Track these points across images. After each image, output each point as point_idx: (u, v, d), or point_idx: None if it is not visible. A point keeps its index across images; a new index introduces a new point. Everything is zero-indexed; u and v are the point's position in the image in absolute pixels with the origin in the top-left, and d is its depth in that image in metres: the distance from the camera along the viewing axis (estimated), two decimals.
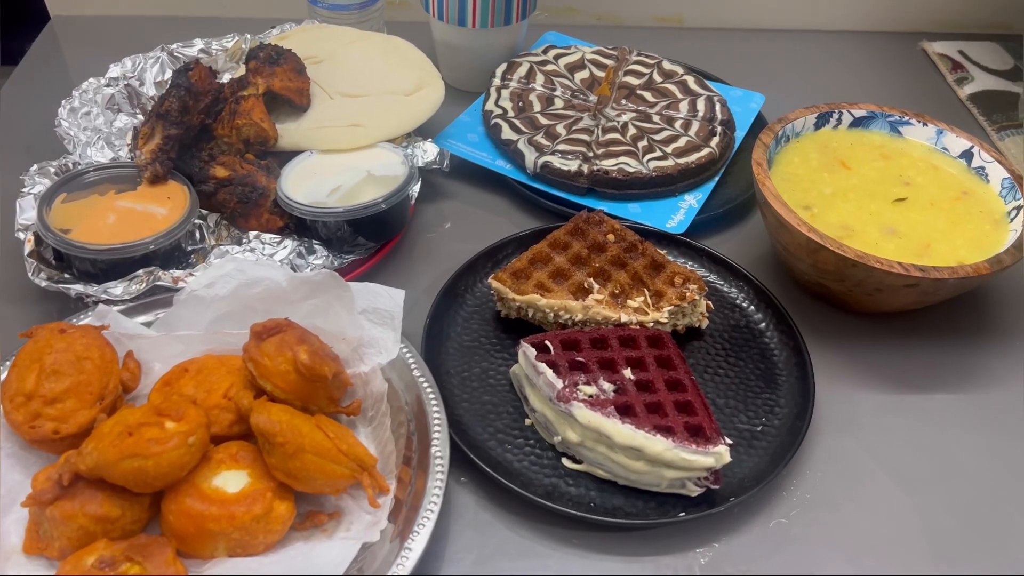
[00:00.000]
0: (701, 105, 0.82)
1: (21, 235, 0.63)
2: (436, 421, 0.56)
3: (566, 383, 0.55)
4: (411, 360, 0.60)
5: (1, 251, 0.67)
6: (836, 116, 0.74)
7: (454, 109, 0.84)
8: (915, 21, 1.05)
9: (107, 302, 0.61)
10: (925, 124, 0.73)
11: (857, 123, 0.74)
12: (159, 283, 0.61)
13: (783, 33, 1.04)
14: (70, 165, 0.70)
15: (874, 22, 1.04)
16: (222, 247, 0.66)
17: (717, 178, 0.78)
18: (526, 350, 0.58)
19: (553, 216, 0.76)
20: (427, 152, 0.75)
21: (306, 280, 0.59)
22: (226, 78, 0.82)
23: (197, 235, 0.68)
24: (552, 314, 0.63)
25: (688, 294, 0.63)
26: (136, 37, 0.94)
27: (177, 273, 0.62)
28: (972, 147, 0.71)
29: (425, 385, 0.58)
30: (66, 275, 0.64)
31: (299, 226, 0.69)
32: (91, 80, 0.76)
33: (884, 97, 0.94)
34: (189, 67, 0.69)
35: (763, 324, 0.66)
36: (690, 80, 0.86)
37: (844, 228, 0.65)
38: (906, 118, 0.73)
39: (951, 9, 1.05)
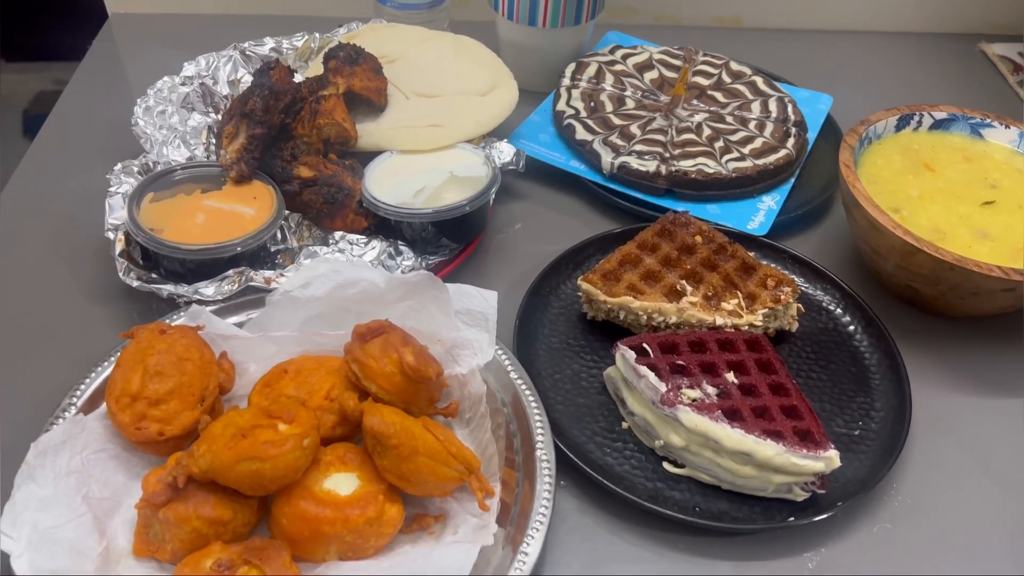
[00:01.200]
0: (773, 106, 0.82)
1: (111, 234, 0.63)
2: (538, 423, 0.55)
3: (669, 387, 0.55)
4: (507, 362, 0.59)
5: (90, 249, 0.67)
6: (917, 118, 0.73)
7: (522, 109, 0.83)
8: (973, 23, 1.04)
9: (199, 302, 0.60)
10: (1007, 127, 0.73)
11: (938, 125, 0.74)
12: (251, 284, 0.61)
13: (841, 34, 1.03)
14: (151, 164, 0.70)
15: (932, 24, 1.04)
16: (310, 247, 0.66)
17: (794, 179, 0.78)
18: (625, 353, 0.58)
19: (629, 217, 0.75)
20: (503, 153, 0.74)
21: (404, 281, 0.59)
22: (298, 78, 0.82)
23: (279, 235, 0.68)
24: (645, 316, 0.62)
25: (783, 296, 0.62)
26: (198, 35, 0.94)
27: (268, 274, 0.62)
28: None
29: (523, 386, 0.58)
30: (153, 275, 0.63)
31: (381, 226, 0.68)
32: (165, 79, 0.76)
33: (947, 98, 0.94)
34: (270, 66, 0.69)
35: (852, 327, 0.66)
36: (759, 81, 0.85)
37: (935, 231, 0.65)
38: (988, 120, 0.73)
39: (1008, 11, 1.04)
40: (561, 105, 0.81)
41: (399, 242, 0.67)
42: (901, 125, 0.73)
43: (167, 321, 0.59)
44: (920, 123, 0.73)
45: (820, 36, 1.02)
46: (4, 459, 0.54)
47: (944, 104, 0.74)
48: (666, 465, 0.56)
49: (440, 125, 0.73)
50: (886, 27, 1.04)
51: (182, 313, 0.60)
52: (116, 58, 0.93)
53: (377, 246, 0.66)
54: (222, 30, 0.95)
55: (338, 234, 0.67)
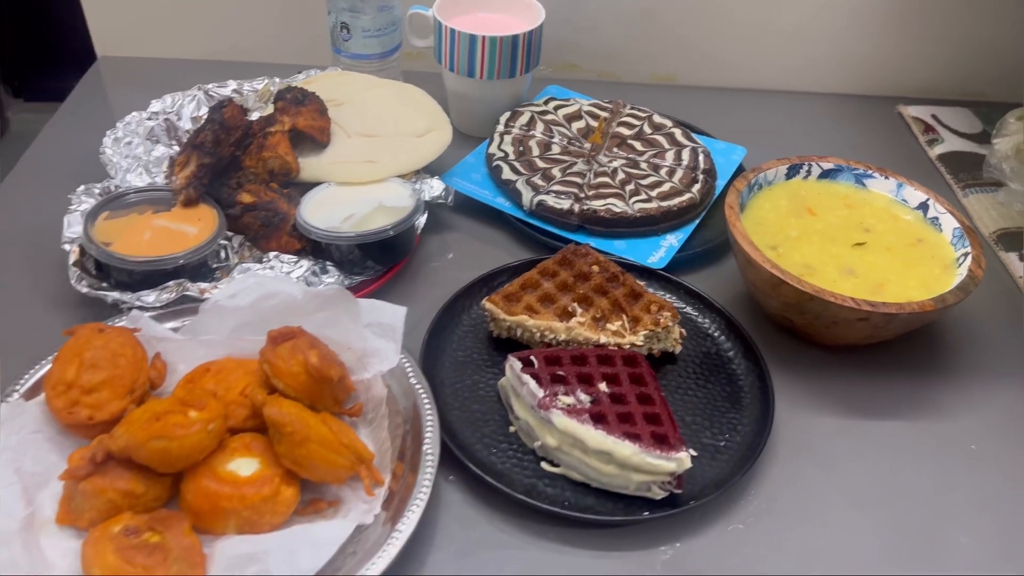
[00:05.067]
0: (686, 155, 0.90)
1: (67, 246, 0.71)
2: (429, 424, 0.62)
3: (547, 393, 0.62)
4: (410, 370, 0.66)
5: (48, 261, 0.75)
6: (806, 168, 0.81)
7: (461, 152, 0.92)
8: (894, 86, 1.13)
9: (140, 308, 0.68)
10: (887, 177, 0.80)
11: (826, 175, 0.81)
12: (187, 293, 0.69)
13: (770, 93, 1.12)
14: (112, 188, 0.78)
15: (856, 86, 1.13)
16: (244, 264, 0.73)
17: (697, 221, 0.85)
18: (512, 363, 0.65)
19: (546, 249, 0.83)
20: (434, 188, 0.82)
21: (318, 294, 0.66)
22: (255, 116, 0.90)
23: (223, 254, 0.76)
24: (539, 334, 0.69)
25: (662, 320, 0.69)
26: (175, 77, 1.03)
27: (203, 285, 0.70)
28: (928, 199, 0.78)
29: (421, 392, 0.65)
30: (104, 284, 0.71)
31: (315, 249, 0.76)
32: (134, 114, 0.85)
33: (858, 154, 1.01)
34: (223, 104, 0.78)
35: (732, 352, 0.73)
36: (678, 132, 0.94)
37: (806, 267, 0.72)
38: (870, 171, 0.81)
39: (928, 76, 1.13)
40: (493, 148, 0.90)
41: (327, 263, 0.75)
42: (791, 173, 0.81)
43: (108, 323, 0.67)
44: (809, 172, 0.81)
45: (748, 95, 1.11)
46: None
47: (832, 156, 0.82)
48: (544, 464, 0.63)
49: (375, 161, 0.81)
50: (811, 88, 1.12)
51: (124, 317, 0.67)
52: (100, 96, 1.03)
53: (304, 264, 0.73)
54: (203, 74, 1.05)
55: (271, 254, 0.74)
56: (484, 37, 0.88)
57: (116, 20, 1.05)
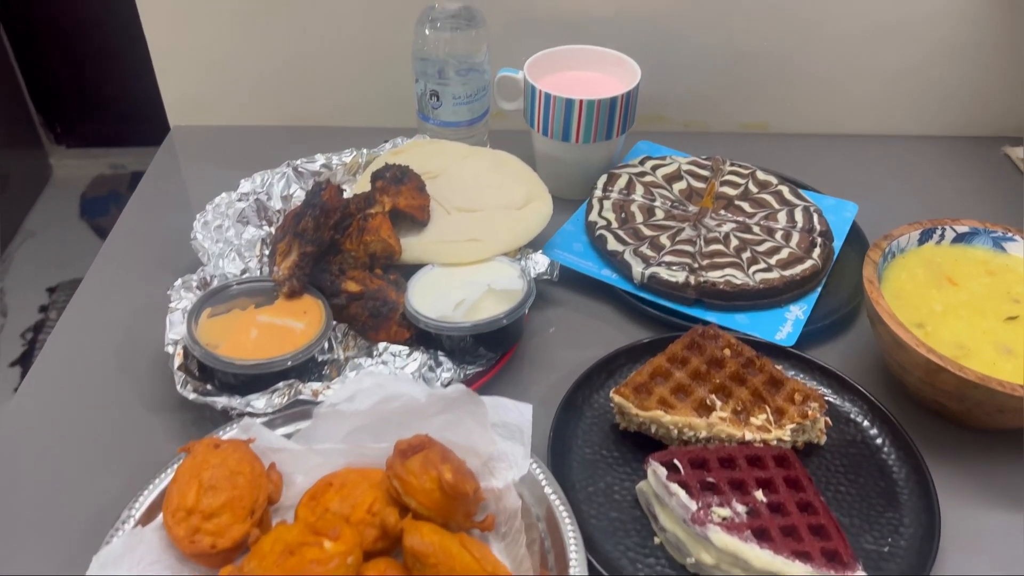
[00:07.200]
0: (799, 215, 0.85)
1: (170, 348, 0.67)
2: (572, 539, 0.57)
3: (700, 505, 0.57)
4: (541, 475, 0.61)
5: (150, 361, 0.71)
6: (939, 232, 0.76)
7: (556, 217, 0.87)
8: (995, 126, 1.07)
9: (251, 415, 0.64)
10: None
11: (960, 239, 0.76)
12: (300, 397, 0.65)
13: (863, 139, 1.07)
14: (208, 278, 0.74)
15: (954, 127, 1.07)
16: (356, 359, 0.69)
17: (820, 288, 0.80)
18: (656, 469, 0.60)
19: (659, 324, 0.78)
20: (539, 264, 0.78)
21: (443, 396, 0.62)
22: (347, 190, 0.87)
23: (326, 344, 0.72)
24: (676, 431, 0.64)
25: (810, 412, 0.64)
26: (252, 147, 1.01)
27: (316, 386, 0.66)
28: None
29: (557, 502, 0.60)
30: (208, 386, 0.67)
31: (422, 336, 0.72)
32: (223, 195, 0.82)
33: (972, 202, 0.96)
34: (322, 187, 0.74)
35: (879, 440, 0.67)
36: (785, 190, 0.89)
37: (959, 347, 0.67)
38: (1009, 234, 0.75)
39: None
40: (593, 216, 0.85)
41: (439, 352, 0.70)
42: (924, 239, 0.75)
43: (220, 434, 0.63)
44: (943, 236, 0.76)
45: (843, 141, 1.06)
46: (69, 568, 0.57)
47: (967, 218, 0.77)
48: None
49: (479, 239, 0.77)
50: (908, 131, 1.07)
51: (235, 425, 0.63)
52: (176, 170, 1.00)
53: (418, 358, 0.69)
54: (275, 140, 1.02)
55: (382, 345, 0.70)
56: (581, 101, 0.84)
57: (188, 89, 1.03)
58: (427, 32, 0.86)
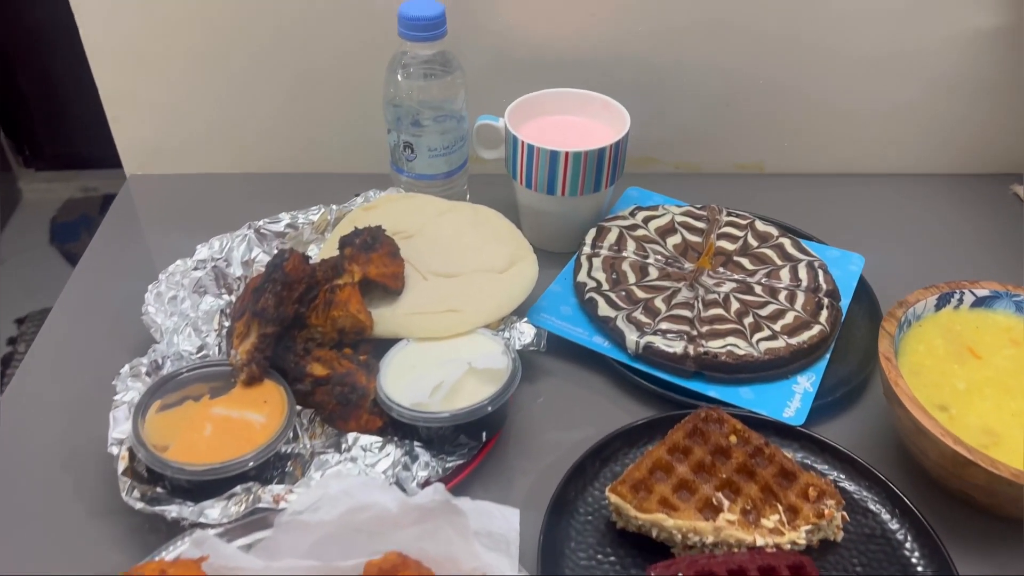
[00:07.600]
0: (803, 272, 0.79)
1: (115, 450, 0.60)
2: None
3: None
4: None
5: (93, 459, 0.64)
6: (958, 296, 0.70)
7: (542, 273, 0.80)
8: (1001, 163, 1.02)
9: (204, 525, 0.57)
10: None
11: (980, 303, 0.70)
12: (259, 505, 0.58)
13: (864, 177, 1.01)
14: (160, 360, 0.67)
15: (959, 165, 1.02)
16: (322, 455, 0.62)
17: (828, 355, 0.74)
18: None
19: (655, 399, 0.72)
20: (524, 334, 0.71)
21: (418, 506, 0.55)
22: (312, 250, 0.80)
23: (291, 434, 0.65)
24: (680, 535, 0.58)
25: (826, 511, 0.58)
26: (213, 197, 0.94)
27: (277, 491, 0.59)
28: None
29: None
30: (159, 488, 0.60)
31: (396, 424, 0.65)
32: (178, 262, 0.75)
33: (971, 239, 0.91)
34: (284, 256, 0.67)
35: (901, 534, 0.61)
36: (787, 243, 0.83)
37: (987, 433, 0.61)
38: None
39: None
40: (582, 276, 0.79)
41: (415, 443, 0.64)
42: (941, 304, 0.70)
43: (171, 548, 0.56)
44: (961, 301, 0.70)
45: (843, 180, 1.00)
46: None
47: (983, 270, 0.71)
48: None
49: (458, 310, 0.70)
50: (910, 169, 1.02)
51: (186, 538, 0.56)
52: (133, 227, 0.93)
53: (392, 453, 0.62)
54: (237, 188, 0.95)
55: (351, 436, 0.64)
56: (567, 153, 0.78)
57: (145, 134, 0.95)
58: (399, 78, 0.79)
